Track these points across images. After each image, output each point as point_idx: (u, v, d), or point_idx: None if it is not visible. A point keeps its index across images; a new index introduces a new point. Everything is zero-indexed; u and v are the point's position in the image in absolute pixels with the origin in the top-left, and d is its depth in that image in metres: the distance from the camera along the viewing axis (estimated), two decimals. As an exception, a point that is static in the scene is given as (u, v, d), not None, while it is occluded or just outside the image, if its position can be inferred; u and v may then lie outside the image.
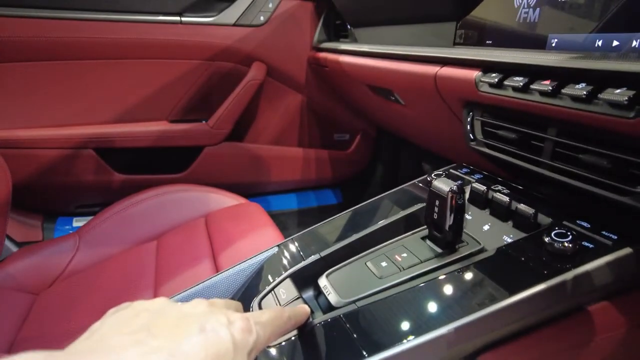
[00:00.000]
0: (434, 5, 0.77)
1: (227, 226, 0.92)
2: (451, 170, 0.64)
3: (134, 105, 1.25)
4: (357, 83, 1.07)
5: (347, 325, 0.39)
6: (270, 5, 1.24)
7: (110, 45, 1.17)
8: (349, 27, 1.17)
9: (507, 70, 0.52)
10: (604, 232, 0.41)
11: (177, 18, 1.20)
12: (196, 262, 0.82)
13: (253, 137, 1.39)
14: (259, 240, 0.85)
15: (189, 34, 1.21)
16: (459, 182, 0.60)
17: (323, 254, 0.49)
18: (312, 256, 0.49)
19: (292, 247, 0.53)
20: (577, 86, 0.42)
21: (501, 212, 0.50)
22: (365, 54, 0.91)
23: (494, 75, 0.53)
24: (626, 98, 0.36)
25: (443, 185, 0.44)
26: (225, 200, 1.05)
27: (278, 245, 0.55)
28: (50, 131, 1.18)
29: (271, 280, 0.48)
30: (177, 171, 1.32)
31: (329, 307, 0.42)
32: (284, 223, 1.47)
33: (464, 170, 0.63)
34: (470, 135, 0.61)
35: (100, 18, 1.13)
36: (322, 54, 1.18)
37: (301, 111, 1.41)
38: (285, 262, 0.51)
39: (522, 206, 0.47)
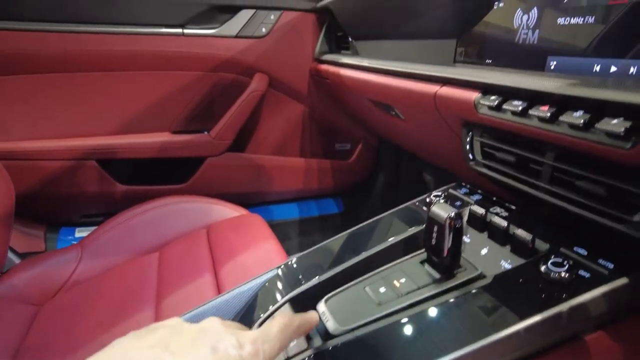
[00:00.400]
0: (435, 22, 0.78)
1: (228, 239, 0.93)
2: (450, 191, 0.64)
3: (136, 116, 1.26)
4: (358, 96, 1.07)
5: (346, 355, 0.39)
6: (272, 17, 1.25)
7: (113, 57, 1.18)
8: (350, 39, 1.17)
9: (506, 93, 0.52)
10: (600, 261, 0.42)
11: (180, 30, 1.20)
12: (197, 275, 0.82)
13: (255, 147, 1.40)
14: (259, 254, 0.85)
15: (192, 45, 1.22)
16: (458, 203, 0.60)
17: (322, 277, 0.49)
18: (312, 280, 0.49)
19: (292, 270, 0.54)
20: (574, 114, 0.42)
21: (499, 236, 0.50)
22: (366, 68, 0.92)
23: (493, 97, 0.53)
24: (623, 129, 0.37)
25: (441, 211, 0.44)
26: (227, 211, 1.06)
27: (278, 267, 0.55)
28: (53, 143, 1.19)
29: (271, 305, 0.48)
30: (180, 182, 1.32)
31: (327, 335, 0.42)
32: (286, 232, 1.47)
33: (463, 190, 0.63)
34: (470, 155, 0.61)
35: (103, 31, 1.14)
36: (324, 66, 1.19)
37: (303, 121, 1.42)
38: (284, 285, 0.51)
39: (519, 231, 0.47)
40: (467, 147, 0.61)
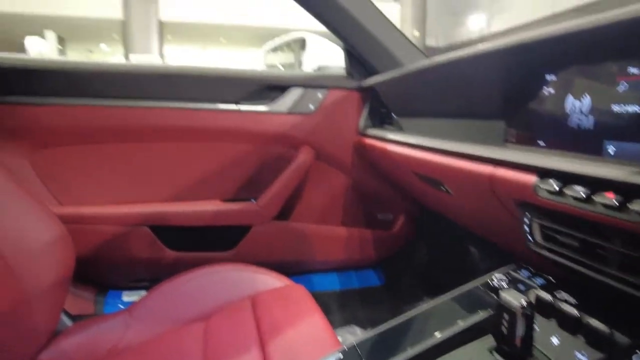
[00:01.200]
0: (481, 103, 0.81)
1: (274, 312, 0.93)
2: (511, 273, 0.63)
3: (189, 184, 1.33)
4: (404, 170, 1.10)
5: None
6: (320, 95, 1.33)
7: (171, 130, 1.28)
8: (394, 115, 1.23)
9: (566, 177, 0.53)
10: (689, 359, 0.39)
11: (234, 106, 1.30)
12: (244, 352, 0.82)
13: (298, 215, 1.43)
14: (306, 331, 0.85)
15: (244, 120, 1.31)
16: (522, 287, 0.59)
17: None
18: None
19: (351, 358, 0.53)
20: (644, 203, 0.42)
21: (569, 325, 0.48)
22: (414, 146, 0.95)
23: (552, 182, 0.54)
24: (700, 224, 0.36)
25: (513, 298, 0.44)
26: (272, 281, 1.07)
27: (336, 354, 0.55)
28: (111, 209, 1.26)
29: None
30: (226, 249, 1.36)
31: None
32: (326, 304, 1.45)
33: (525, 273, 0.62)
34: (529, 237, 0.61)
35: (164, 106, 1.25)
36: (369, 140, 1.23)
37: (346, 191, 1.45)
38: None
39: (594, 322, 0.45)
40: (527, 228, 0.61)
